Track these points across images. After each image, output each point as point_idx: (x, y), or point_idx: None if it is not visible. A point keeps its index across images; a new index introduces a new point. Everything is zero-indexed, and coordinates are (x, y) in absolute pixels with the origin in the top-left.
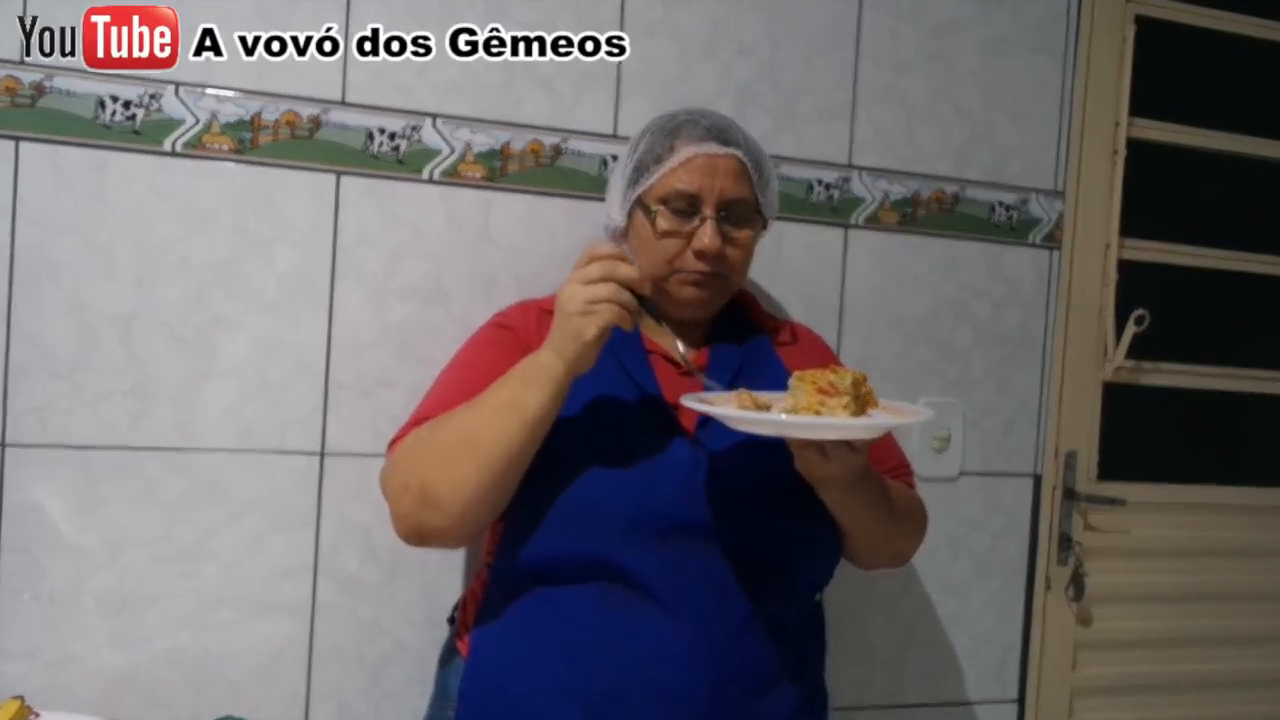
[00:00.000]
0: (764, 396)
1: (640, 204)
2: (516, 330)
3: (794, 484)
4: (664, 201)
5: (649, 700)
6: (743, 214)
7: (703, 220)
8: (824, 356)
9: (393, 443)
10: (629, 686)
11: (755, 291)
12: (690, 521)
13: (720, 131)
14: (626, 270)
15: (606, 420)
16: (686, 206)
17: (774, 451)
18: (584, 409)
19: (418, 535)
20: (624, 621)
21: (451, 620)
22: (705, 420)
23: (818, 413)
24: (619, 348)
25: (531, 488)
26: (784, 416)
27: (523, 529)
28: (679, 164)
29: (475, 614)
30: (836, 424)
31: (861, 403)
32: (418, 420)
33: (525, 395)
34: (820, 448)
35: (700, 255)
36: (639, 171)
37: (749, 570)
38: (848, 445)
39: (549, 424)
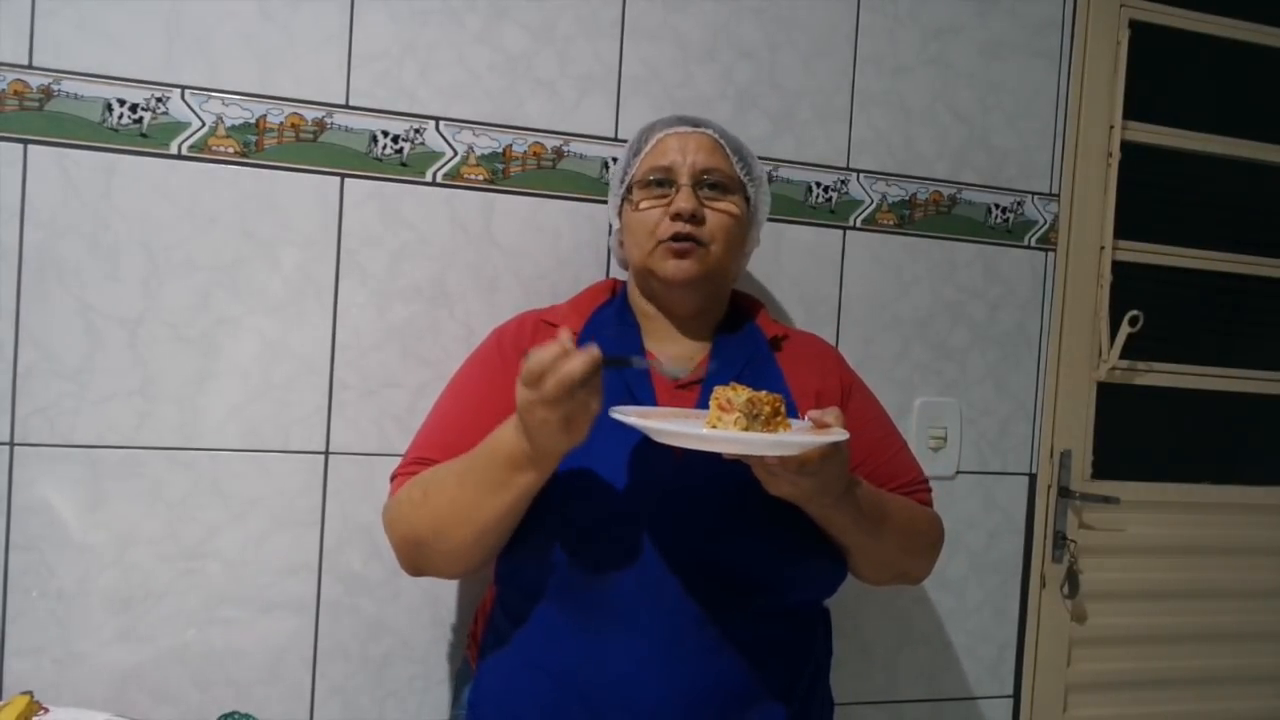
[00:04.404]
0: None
1: (626, 195)
2: (513, 350)
3: (781, 503)
4: (643, 184)
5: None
6: (720, 183)
7: (678, 189)
8: (825, 366)
9: (394, 476)
10: (605, 707)
11: (755, 292)
12: (668, 541)
13: (692, 119)
14: (580, 366)
15: (597, 434)
16: (665, 178)
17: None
18: None
19: (419, 574)
20: (600, 643)
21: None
22: None
23: (714, 427)
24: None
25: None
26: (668, 425)
27: (514, 548)
28: (653, 146)
29: (483, 630)
30: (708, 436)
31: (764, 422)
32: (415, 459)
33: (514, 478)
34: (765, 465)
35: (676, 217)
36: (624, 170)
37: (727, 590)
38: (780, 464)
39: (535, 493)
